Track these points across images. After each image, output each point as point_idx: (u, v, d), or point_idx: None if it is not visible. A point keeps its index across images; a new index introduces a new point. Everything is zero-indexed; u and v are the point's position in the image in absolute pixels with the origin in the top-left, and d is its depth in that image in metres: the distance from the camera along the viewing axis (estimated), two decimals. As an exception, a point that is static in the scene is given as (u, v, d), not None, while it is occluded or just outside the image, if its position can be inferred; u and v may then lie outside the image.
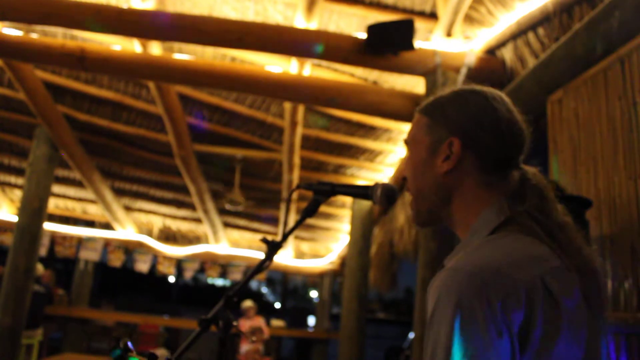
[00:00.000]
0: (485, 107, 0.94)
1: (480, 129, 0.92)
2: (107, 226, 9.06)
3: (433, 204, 0.97)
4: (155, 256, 9.26)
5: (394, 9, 4.18)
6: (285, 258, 9.50)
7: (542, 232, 0.86)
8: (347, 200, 7.44)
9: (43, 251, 8.15)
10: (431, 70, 3.82)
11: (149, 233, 9.42)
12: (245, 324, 6.92)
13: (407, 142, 1.03)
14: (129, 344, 0.91)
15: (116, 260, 9.09)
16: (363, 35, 3.74)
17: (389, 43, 3.64)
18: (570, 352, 0.79)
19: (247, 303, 7.17)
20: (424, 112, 1.00)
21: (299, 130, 5.63)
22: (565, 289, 0.81)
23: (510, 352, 0.74)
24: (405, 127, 5.67)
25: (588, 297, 0.83)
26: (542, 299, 0.77)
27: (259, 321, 7.07)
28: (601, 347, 0.85)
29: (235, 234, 9.53)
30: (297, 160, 6.22)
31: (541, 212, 0.89)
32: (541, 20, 3.27)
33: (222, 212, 8.30)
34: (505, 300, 0.75)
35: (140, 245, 9.09)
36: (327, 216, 8.53)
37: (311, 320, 12.59)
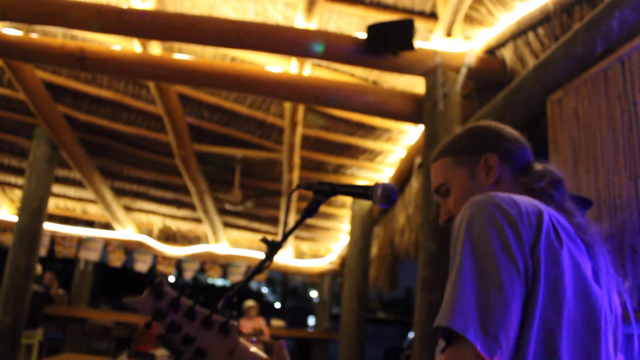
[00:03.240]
0: (496, 127, 1.12)
1: (504, 140, 1.09)
2: (107, 226, 9.06)
3: None
4: (155, 256, 9.26)
5: (394, 9, 4.17)
6: (285, 258, 9.50)
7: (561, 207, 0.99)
8: (347, 200, 7.44)
9: (43, 251, 8.15)
10: (431, 70, 3.82)
11: (149, 233, 9.42)
12: (246, 325, 6.91)
13: (440, 190, 1.14)
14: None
15: (116, 260, 9.09)
16: (363, 35, 3.74)
17: (389, 43, 3.64)
18: (571, 289, 0.85)
19: (249, 303, 7.15)
20: (444, 155, 1.14)
21: (299, 130, 5.63)
22: (571, 239, 0.89)
23: (516, 266, 0.82)
24: (405, 127, 5.67)
25: (596, 271, 0.91)
26: (548, 228, 0.86)
27: (260, 322, 7.06)
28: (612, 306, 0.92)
29: (235, 234, 9.53)
30: (297, 160, 6.22)
31: (556, 199, 1.02)
32: (541, 20, 3.27)
33: (222, 212, 8.30)
34: (518, 218, 0.85)
35: (140, 245, 9.09)
36: (327, 216, 8.53)
37: (311, 320, 12.60)
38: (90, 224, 9.31)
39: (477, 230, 0.85)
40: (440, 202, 1.15)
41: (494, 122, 1.16)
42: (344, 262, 8.20)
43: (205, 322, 0.88)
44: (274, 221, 9.00)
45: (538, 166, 1.08)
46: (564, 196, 1.03)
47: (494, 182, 1.06)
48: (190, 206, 8.36)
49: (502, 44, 3.74)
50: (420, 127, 4.91)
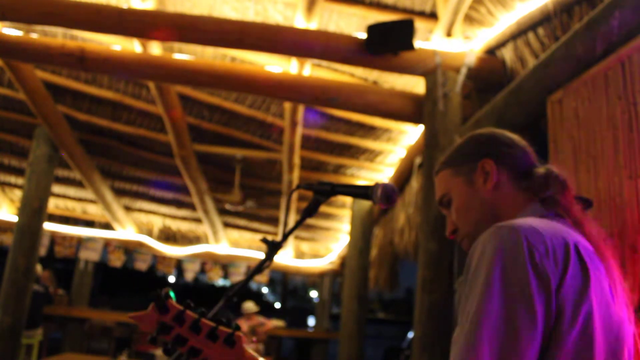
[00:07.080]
0: (492, 132, 1.10)
1: (501, 144, 1.06)
2: (107, 226, 9.05)
3: (488, 226, 1.01)
4: (155, 256, 9.26)
5: (394, 9, 4.17)
6: (285, 258, 9.49)
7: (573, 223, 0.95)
8: (347, 200, 7.44)
9: (43, 251, 8.15)
10: (431, 70, 3.82)
11: (149, 233, 9.42)
12: (243, 325, 6.90)
13: (443, 202, 1.11)
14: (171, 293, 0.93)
15: (116, 260, 9.09)
16: (363, 35, 3.74)
17: (389, 43, 3.64)
18: (599, 320, 0.82)
19: (248, 305, 7.13)
20: (444, 167, 1.11)
21: (299, 130, 5.63)
22: (594, 263, 0.87)
23: (545, 300, 0.79)
24: (405, 127, 5.67)
25: (612, 287, 0.89)
26: (575, 261, 0.83)
27: (258, 320, 7.04)
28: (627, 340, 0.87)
29: (235, 234, 9.53)
30: (297, 160, 6.22)
31: (564, 206, 0.98)
32: (541, 20, 3.27)
33: (222, 212, 8.30)
34: (544, 256, 0.81)
35: (140, 245, 9.09)
36: (327, 216, 8.52)
37: (311, 320, 12.61)
38: (90, 224, 9.31)
39: (497, 269, 0.81)
40: (446, 215, 1.13)
41: (492, 127, 1.13)
42: (344, 262, 8.19)
43: (211, 335, 0.90)
44: (274, 221, 9.00)
45: (540, 170, 1.03)
46: (573, 201, 0.99)
47: (493, 187, 1.03)
48: (190, 206, 8.36)
49: (502, 44, 3.74)
50: (420, 127, 4.91)
